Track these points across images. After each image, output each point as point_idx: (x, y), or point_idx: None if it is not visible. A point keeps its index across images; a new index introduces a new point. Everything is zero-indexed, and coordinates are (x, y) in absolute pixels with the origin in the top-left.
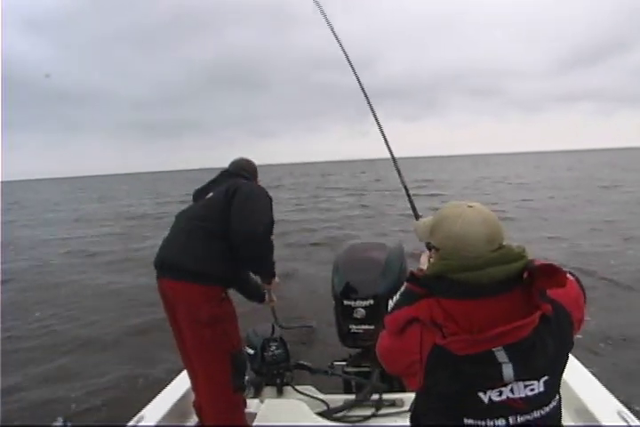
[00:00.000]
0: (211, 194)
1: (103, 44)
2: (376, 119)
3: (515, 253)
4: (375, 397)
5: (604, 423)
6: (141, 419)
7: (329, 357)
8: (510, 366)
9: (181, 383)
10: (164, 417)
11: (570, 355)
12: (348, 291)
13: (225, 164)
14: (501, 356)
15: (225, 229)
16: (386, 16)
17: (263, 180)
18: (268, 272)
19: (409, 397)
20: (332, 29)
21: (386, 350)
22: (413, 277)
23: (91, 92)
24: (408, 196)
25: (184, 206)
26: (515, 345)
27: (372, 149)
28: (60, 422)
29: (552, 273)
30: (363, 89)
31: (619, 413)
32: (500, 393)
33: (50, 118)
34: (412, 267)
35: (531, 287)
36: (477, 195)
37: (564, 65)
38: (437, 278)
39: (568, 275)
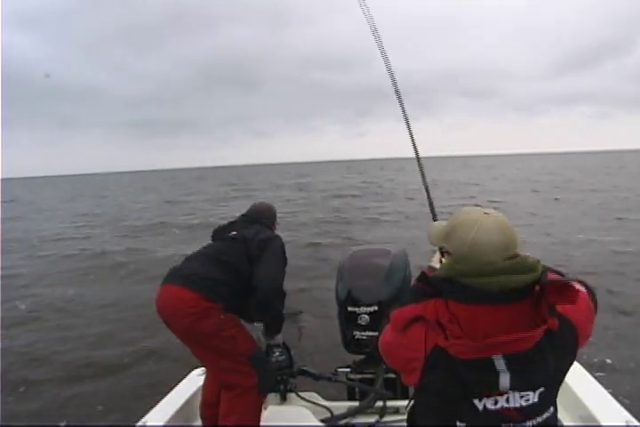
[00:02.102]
0: (234, 233)
1: (98, 42)
2: (405, 119)
3: (528, 264)
4: (379, 404)
5: None
6: (147, 422)
7: (332, 363)
8: (508, 375)
9: (186, 387)
10: (170, 420)
11: (576, 363)
12: (351, 297)
13: (220, 162)
14: (500, 364)
15: (244, 270)
16: (382, 15)
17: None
18: (278, 328)
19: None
20: (372, 22)
21: (388, 345)
22: (424, 277)
23: (85, 89)
24: (428, 197)
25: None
26: (515, 356)
27: (368, 149)
28: (63, 424)
29: (564, 290)
30: (395, 85)
31: (627, 422)
32: (496, 402)
33: (43, 116)
34: (415, 273)
35: (540, 300)
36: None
37: (560, 67)
38: (447, 281)
39: (581, 287)
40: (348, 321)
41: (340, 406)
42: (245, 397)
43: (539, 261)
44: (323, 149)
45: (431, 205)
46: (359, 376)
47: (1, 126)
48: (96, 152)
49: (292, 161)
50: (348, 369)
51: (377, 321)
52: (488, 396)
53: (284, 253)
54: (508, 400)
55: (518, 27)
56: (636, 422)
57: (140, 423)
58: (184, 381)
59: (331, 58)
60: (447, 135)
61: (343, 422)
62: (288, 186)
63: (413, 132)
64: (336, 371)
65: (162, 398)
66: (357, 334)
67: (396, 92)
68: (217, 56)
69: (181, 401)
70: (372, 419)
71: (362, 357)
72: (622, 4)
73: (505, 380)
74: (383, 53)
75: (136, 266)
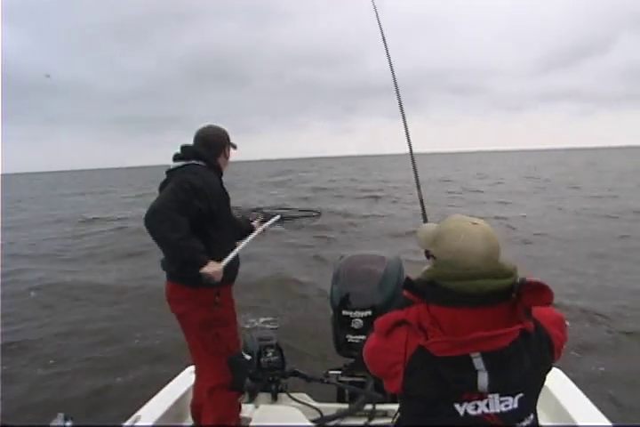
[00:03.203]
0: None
1: (83, 37)
2: (403, 116)
3: (506, 270)
4: (368, 407)
5: None
6: (138, 419)
7: (324, 365)
8: (486, 374)
9: (179, 384)
10: (161, 418)
11: (560, 372)
12: (346, 301)
13: None
14: (478, 363)
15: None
16: (368, 13)
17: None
18: (174, 255)
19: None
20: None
21: (371, 350)
22: (409, 282)
23: (70, 85)
24: (421, 200)
25: None
26: (492, 354)
27: (355, 146)
28: (60, 418)
29: (540, 290)
30: (395, 81)
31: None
32: (476, 407)
33: (27, 111)
34: None
35: (517, 304)
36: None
37: (546, 65)
38: (429, 284)
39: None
40: (342, 325)
41: (330, 407)
42: (218, 393)
43: (515, 268)
44: (310, 146)
45: (422, 204)
46: (350, 379)
47: (1, 121)
48: (81, 148)
49: (279, 157)
50: (339, 372)
51: (370, 326)
52: (469, 400)
53: (181, 186)
54: (488, 406)
55: (505, 25)
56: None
57: (128, 423)
58: (176, 378)
59: (318, 54)
60: (434, 132)
61: (332, 423)
62: (271, 183)
63: (406, 133)
64: (327, 373)
65: (152, 396)
66: (350, 337)
67: (396, 88)
68: (203, 52)
69: (172, 400)
70: (360, 421)
71: (353, 360)
72: (605, 4)
73: (483, 379)
74: (387, 50)
75: None
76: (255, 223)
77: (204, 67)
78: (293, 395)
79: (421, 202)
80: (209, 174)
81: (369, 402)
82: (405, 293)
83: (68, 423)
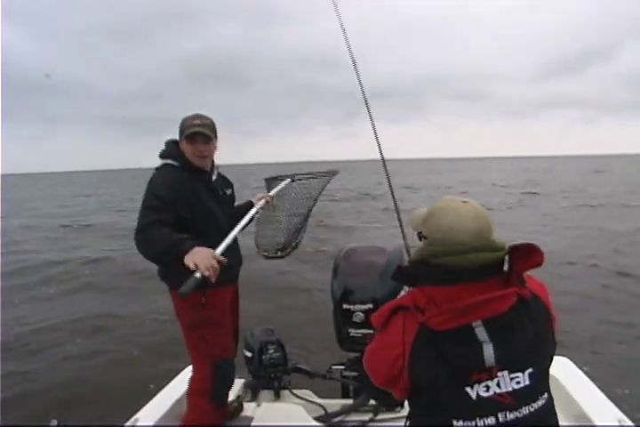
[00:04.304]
0: None
1: (84, 37)
2: (371, 120)
3: (496, 245)
4: (373, 402)
5: None
6: (137, 421)
7: (327, 361)
8: (491, 346)
9: (178, 385)
10: (161, 419)
11: (569, 361)
12: (347, 295)
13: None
14: (481, 333)
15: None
16: (370, 17)
17: None
18: (160, 252)
19: (406, 403)
20: (342, 26)
21: (370, 355)
22: (399, 269)
23: (71, 85)
24: (392, 195)
25: None
26: (493, 320)
27: (357, 150)
28: (54, 424)
29: (530, 251)
30: (362, 88)
31: (619, 421)
32: (488, 388)
33: (27, 111)
34: None
35: (510, 274)
36: None
37: (548, 72)
38: (422, 263)
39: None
40: (343, 319)
41: (334, 403)
42: (197, 399)
43: (505, 244)
44: (311, 150)
45: (394, 199)
46: (353, 374)
47: (1, 121)
48: (80, 149)
49: (282, 161)
50: (342, 367)
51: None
52: (479, 381)
53: (150, 190)
54: (499, 385)
55: (509, 30)
56: (629, 421)
57: (129, 423)
58: (176, 379)
59: (320, 58)
60: (436, 137)
61: (337, 419)
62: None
63: (405, 135)
64: (330, 368)
65: (152, 396)
66: (352, 331)
67: (364, 96)
68: (203, 53)
69: (172, 400)
70: (365, 417)
71: (356, 354)
72: (609, 11)
73: (489, 351)
74: (352, 58)
75: None
76: (256, 198)
77: (204, 68)
78: (296, 392)
79: (394, 202)
80: (177, 177)
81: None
82: (396, 282)
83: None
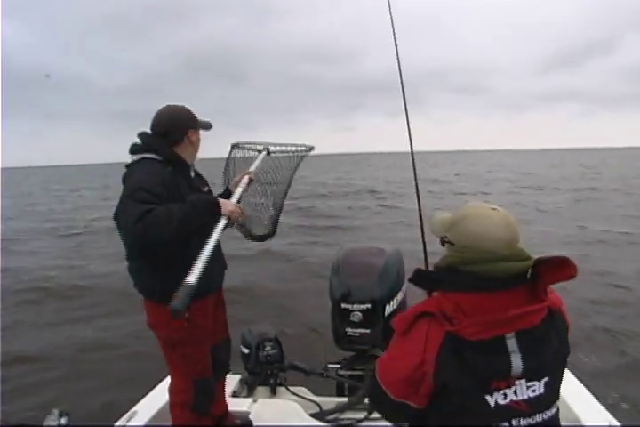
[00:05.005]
0: None
1: (81, 32)
2: (406, 112)
3: (525, 254)
4: (367, 400)
5: None
6: (134, 415)
7: (323, 359)
8: (519, 356)
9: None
10: (157, 414)
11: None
12: (345, 294)
13: (204, 155)
14: (512, 344)
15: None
16: (370, 11)
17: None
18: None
19: None
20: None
21: (387, 362)
22: (420, 272)
23: (69, 80)
24: (417, 193)
25: None
26: (526, 333)
27: (356, 143)
28: (54, 415)
29: (562, 265)
30: (401, 77)
31: (609, 422)
32: (505, 396)
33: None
34: (408, 273)
35: (536, 285)
36: None
37: (548, 65)
38: (448, 270)
39: None
40: (341, 318)
41: (329, 401)
42: (180, 410)
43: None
44: (309, 143)
45: (418, 197)
46: (349, 373)
47: (1, 116)
48: (80, 143)
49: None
50: (338, 365)
51: (369, 319)
52: (498, 389)
53: (135, 185)
54: (515, 393)
55: (509, 23)
56: (618, 424)
57: (123, 418)
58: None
59: (318, 51)
60: (436, 131)
61: (332, 417)
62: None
63: (406, 129)
64: (326, 367)
65: (148, 391)
66: (349, 330)
67: (402, 85)
68: (202, 48)
69: (165, 398)
70: (360, 415)
71: (352, 353)
72: (609, 4)
73: (517, 362)
74: (396, 46)
75: None
76: (234, 184)
77: (203, 62)
78: (292, 389)
79: (417, 193)
80: (161, 172)
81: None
82: (415, 285)
83: (63, 420)
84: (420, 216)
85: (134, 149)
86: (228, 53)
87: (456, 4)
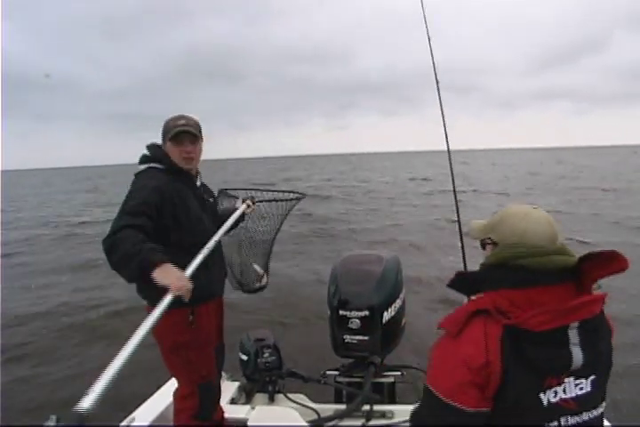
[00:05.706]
0: None
1: (73, 33)
2: (441, 109)
3: (569, 250)
4: (366, 408)
5: None
6: (133, 420)
7: (321, 366)
8: (579, 349)
9: (174, 385)
10: (156, 419)
11: None
12: (343, 301)
13: (202, 156)
14: (573, 335)
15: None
16: (360, 10)
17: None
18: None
19: (399, 409)
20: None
21: (442, 369)
22: (461, 275)
23: (61, 81)
24: (454, 196)
25: None
26: (588, 323)
27: (349, 143)
28: (52, 420)
29: (612, 258)
30: (435, 74)
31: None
32: (555, 394)
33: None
34: (407, 280)
35: (585, 278)
36: None
37: (541, 64)
38: (498, 267)
39: None
40: (339, 325)
41: (328, 408)
42: (181, 416)
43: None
44: (305, 143)
45: (456, 201)
46: (347, 380)
47: (1, 117)
48: (74, 146)
49: (274, 155)
50: (336, 372)
51: (367, 326)
52: (550, 387)
53: (132, 193)
54: (565, 391)
55: (501, 22)
56: (618, 424)
57: (123, 424)
58: (172, 379)
59: (313, 52)
60: (429, 130)
61: (330, 424)
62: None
63: (399, 128)
64: (325, 374)
65: (148, 397)
66: (347, 337)
67: (437, 83)
68: (196, 50)
69: (168, 401)
70: (358, 422)
71: (351, 360)
72: (598, 2)
73: (578, 354)
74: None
75: None
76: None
77: (197, 64)
78: (290, 396)
79: (455, 199)
80: (163, 178)
81: (367, 403)
82: (453, 289)
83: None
84: (459, 222)
85: (142, 160)
86: (221, 55)
87: (446, 3)
